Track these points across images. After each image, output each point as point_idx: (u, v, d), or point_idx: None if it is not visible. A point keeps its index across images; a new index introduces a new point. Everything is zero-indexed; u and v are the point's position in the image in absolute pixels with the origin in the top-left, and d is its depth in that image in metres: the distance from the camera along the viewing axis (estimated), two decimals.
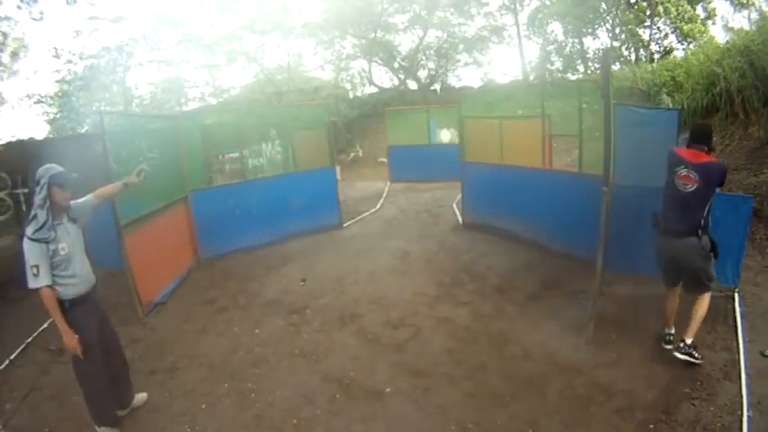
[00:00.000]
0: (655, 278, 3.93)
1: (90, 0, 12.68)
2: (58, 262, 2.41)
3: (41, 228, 2.36)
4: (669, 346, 3.08)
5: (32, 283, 2.35)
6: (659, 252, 3.09)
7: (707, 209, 2.84)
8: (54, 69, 13.59)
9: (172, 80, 16.12)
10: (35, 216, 2.37)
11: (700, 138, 2.91)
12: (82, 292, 2.54)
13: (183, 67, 16.54)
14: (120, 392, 2.79)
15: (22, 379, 3.29)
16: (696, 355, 2.86)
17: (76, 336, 2.42)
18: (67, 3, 12.23)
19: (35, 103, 13.69)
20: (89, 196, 2.73)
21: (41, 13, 11.85)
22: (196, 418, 2.74)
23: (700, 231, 2.83)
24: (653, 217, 3.09)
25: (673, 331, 3.16)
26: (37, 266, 2.34)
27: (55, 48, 13.01)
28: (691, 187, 2.83)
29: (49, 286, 2.36)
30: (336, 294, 4.39)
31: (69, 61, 13.55)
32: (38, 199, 2.41)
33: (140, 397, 2.94)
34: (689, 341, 2.88)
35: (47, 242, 2.36)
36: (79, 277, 2.53)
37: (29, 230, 2.35)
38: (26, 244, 2.35)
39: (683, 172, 2.87)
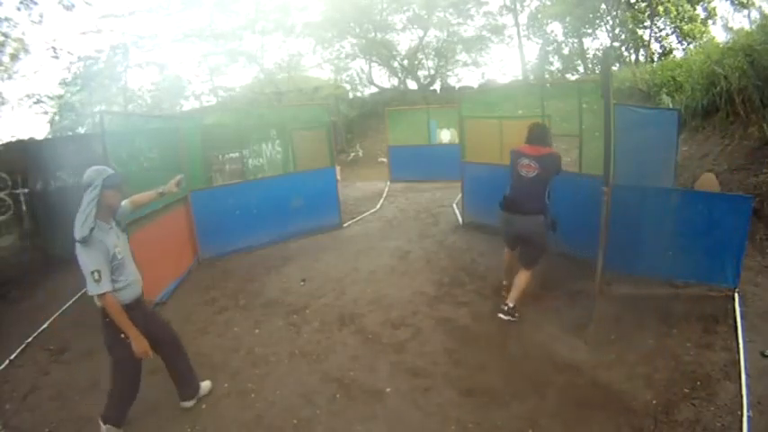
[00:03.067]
0: (655, 278, 3.95)
1: (87, 1, 12.64)
2: (115, 266, 2.36)
3: (92, 231, 2.24)
4: (504, 316, 3.57)
5: (95, 290, 2.25)
6: (506, 226, 3.64)
7: (547, 191, 3.46)
8: (60, 68, 13.59)
9: (172, 80, 16.12)
10: (84, 220, 2.23)
11: (537, 137, 3.55)
12: (137, 295, 2.53)
13: (183, 67, 16.58)
14: (184, 383, 2.78)
15: (22, 379, 3.29)
16: (516, 315, 3.56)
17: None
18: (65, 8, 12.22)
19: (35, 103, 13.69)
20: (125, 202, 2.65)
21: (41, 15, 11.85)
22: (196, 418, 2.74)
23: (542, 210, 3.43)
24: (502, 199, 3.60)
25: (505, 282, 3.89)
26: (99, 271, 2.23)
27: (54, 48, 13.01)
28: (532, 173, 3.44)
29: (110, 292, 2.29)
30: (336, 294, 4.39)
31: (71, 63, 13.58)
32: (85, 201, 2.28)
33: (205, 385, 2.93)
34: (511, 305, 3.55)
35: (96, 246, 2.26)
36: (133, 280, 2.50)
37: (79, 235, 2.22)
38: (82, 251, 2.23)
39: (525, 162, 3.47)
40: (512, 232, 3.62)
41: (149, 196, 2.86)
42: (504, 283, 3.89)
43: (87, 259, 2.23)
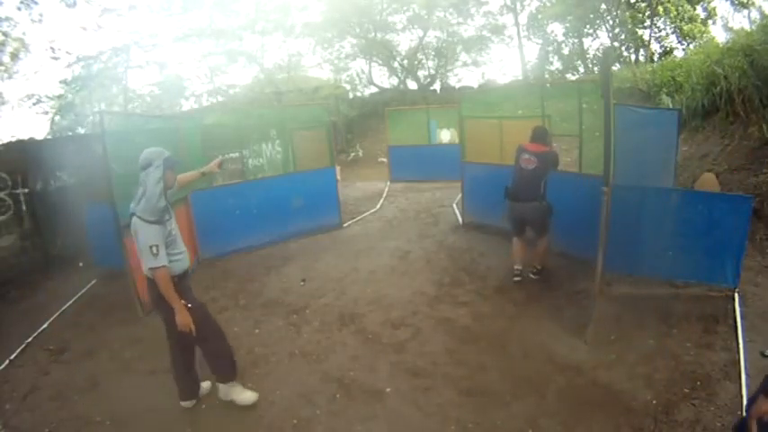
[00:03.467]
0: (655, 278, 3.95)
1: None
2: (169, 241, 2.51)
3: (162, 210, 2.44)
4: (518, 278, 4.25)
5: (152, 263, 2.38)
6: (511, 212, 4.21)
7: (543, 183, 4.02)
8: (61, 67, 13.57)
9: (172, 80, 16.12)
10: (148, 198, 2.39)
11: (539, 137, 4.13)
12: (186, 268, 2.65)
13: (183, 67, 16.57)
14: (218, 363, 2.77)
15: (22, 379, 3.29)
16: (543, 273, 4.26)
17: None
18: (67, 5, 12.22)
19: (35, 103, 13.69)
20: None
21: (41, 15, 11.85)
22: (196, 418, 2.74)
23: (540, 197, 4.03)
24: (505, 189, 4.16)
25: (520, 267, 4.28)
26: (156, 246, 2.37)
27: (52, 48, 13.00)
28: (531, 167, 4.00)
29: (165, 266, 2.42)
30: (336, 294, 4.39)
31: (72, 63, 13.56)
32: (152, 181, 2.43)
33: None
34: (539, 267, 4.27)
35: (163, 223, 2.44)
36: (183, 253, 2.63)
37: (142, 212, 2.38)
38: (144, 226, 2.37)
39: (526, 156, 4.04)
40: (516, 217, 4.21)
41: (193, 176, 2.98)
42: (517, 268, 4.31)
43: (148, 234, 2.37)
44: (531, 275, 4.29)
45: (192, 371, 2.80)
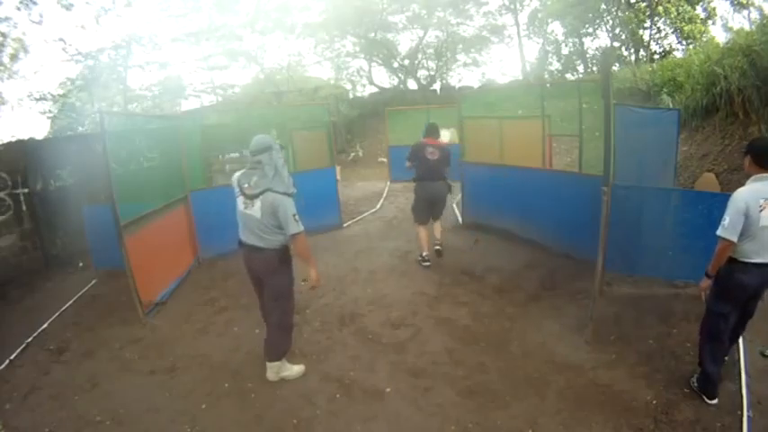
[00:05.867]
0: (655, 278, 3.95)
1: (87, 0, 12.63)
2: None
3: (293, 185, 2.85)
4: (427, 263, 4.92)
5: (296, 229, 2.77)
6: (423, 191, 4.99)
7: (446, 168, 4.99)
8: (61, 66, 13.58)
9: (172, 80, 16.12)
10: (283, 177, 2.79)
11: (432, 132, 5.12)
12: None
13: (183, 67, 16.57)
14: (281, 340, 3.04)
15: (22, 379, 3.28)
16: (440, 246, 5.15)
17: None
18: (64, 7, 12.20)
19: (35, 101, 13.68)
20: None
21: (41, 15, 11.84)
22: (196, 418, 2.73)
23: (445, 179, 4.97)
24: (418, 175, 5.01)
25: (428, 253, 4.96)
26: (296, 215, 2.78)
27: (63, 40, 12.96)
28: (435, 157, 4.91)
29: (303, 231, 2.81)
30: (336, 294, 4.39)
31: (74, 55, 13.54)
32: (281, 163, 2.82)
33: (298, 369, 3.14)
34: (439, 242, 5.15)
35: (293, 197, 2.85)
36: None
37: (281, 188, 2.77)
38: (285, 199, 2.76)
39: (430, 150, 4.94)
40: (428, 194, 5.00)
41: None
42: (426, 254, 4.99)
43: (289, 206, 2.76)
44: (437, 248, 5.11)
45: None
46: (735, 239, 2.29)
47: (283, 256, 2.90)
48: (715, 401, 2.53)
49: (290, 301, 3.03)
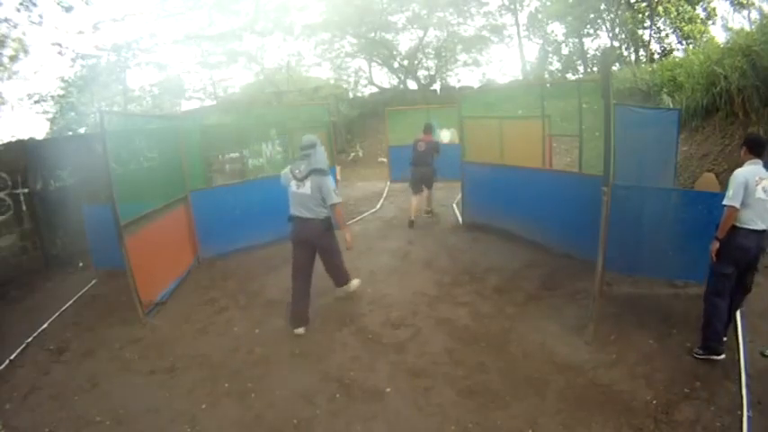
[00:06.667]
0: (655, 278, 3.95)
1: (86, 1, 12.59)
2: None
3: (327, 165, 3.72)
4: (412, 220, 6.50)
5: (336, 199, 3.65)
6: (414, 174, 6.55)
7: (433, 158, 6.57)
8: (61, 67, 13.58)
9: (172, 80, 16.11)
10: (325, 162, 3.67)
11: (427, 130, 6.82)
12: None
13: (183, 67, 16.57)
14: (339, 274, 4.08)
15: (22, 379, 3.28)
16: (431, 213, 7.03)
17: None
18: (65, 9, 12.18)
19: (35, 102, 13.67)
20: None
21: (41, 16, 11.82)
22: (196, 418, 2.73)
23: (430, 165, 6.56)
24: (410, 161, 6.62)
25: (414, 217, 6.53)
26: (335, 189, 3.67)
27: (59, 44, 12.96)
28: (423, 149, 6.51)
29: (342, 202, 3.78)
30: (336, 294, 4.38)
31: (73, 59, 13.54)
32: (326, 155, 3.75)
33: (354, 283, 4.27)
34: (429, 209, 7.01)
35: None
36: None
37: (326, 168, 3.66)
38: (327, 176, 3.63)
39: (421, 143, 6.52)
40: (417, 177, 6.54)
41: None
42: (412, 218, 6.54)
43: (330, 182, 3.62)
44: (425, 215, 6.89)
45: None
46: (738, 206, 2.77)
47: (327, 224, 3.70)
48: (722, 356, 2.89)
49: (338, 253, 3.94)
